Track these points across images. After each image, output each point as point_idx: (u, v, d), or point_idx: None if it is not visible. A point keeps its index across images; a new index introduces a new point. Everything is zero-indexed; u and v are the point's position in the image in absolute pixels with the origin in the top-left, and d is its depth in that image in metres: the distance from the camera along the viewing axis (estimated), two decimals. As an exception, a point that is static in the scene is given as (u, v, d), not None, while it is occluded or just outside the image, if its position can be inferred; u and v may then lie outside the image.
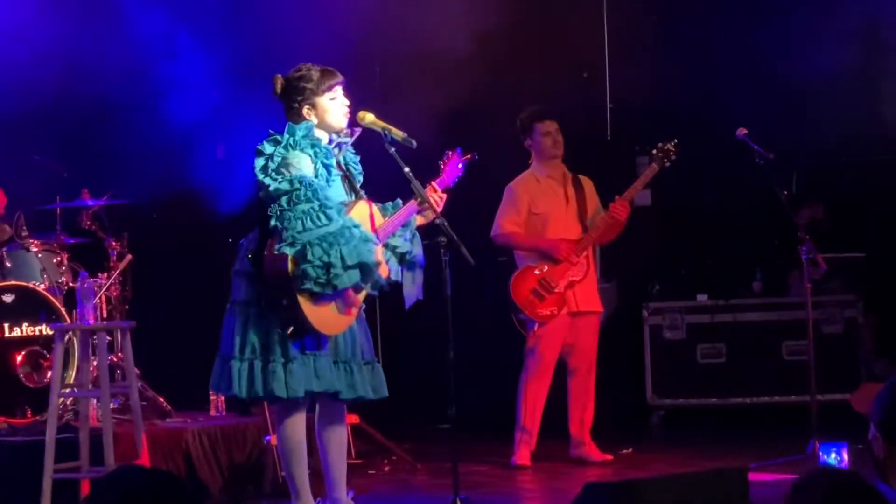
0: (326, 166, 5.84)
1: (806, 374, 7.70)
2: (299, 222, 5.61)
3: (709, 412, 9.89)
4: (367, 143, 6.20)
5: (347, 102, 5.98)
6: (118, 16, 8.98)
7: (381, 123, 6.00)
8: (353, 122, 6.01)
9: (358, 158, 6.12)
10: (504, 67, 9.87)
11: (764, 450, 7.93)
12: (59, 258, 7.86)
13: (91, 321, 6.70)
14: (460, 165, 6.25)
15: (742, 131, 7.85)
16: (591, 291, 8.10)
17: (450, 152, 6.26)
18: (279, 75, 5.96)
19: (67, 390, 7.05)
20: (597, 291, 8.18)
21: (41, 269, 7.72)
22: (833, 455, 6.52)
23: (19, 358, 7.41)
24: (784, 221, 8.07)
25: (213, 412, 7.88)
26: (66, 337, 7.03)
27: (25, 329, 7.47)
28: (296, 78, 5.93)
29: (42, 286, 7.59)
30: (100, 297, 7.64)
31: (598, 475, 7.63)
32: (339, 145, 6.00)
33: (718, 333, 9.89)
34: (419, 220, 6.15)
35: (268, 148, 5.80)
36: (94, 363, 7.01)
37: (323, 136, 5.93)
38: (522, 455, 8.04)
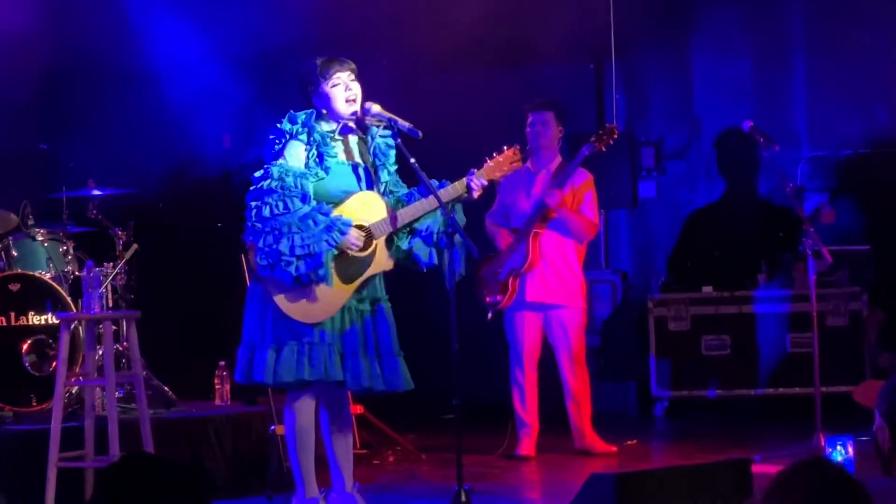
0: (321, 153, 5.86)
1: (810, 366, 7.70)
2: (258, 211, 5.71)
3: (713, 404, 9.89)
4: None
5: (353, 88, 5.96)
6: (127, 4, 9.00)
7: (387, 114, 6.00)
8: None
9: (391, 150, 6.04)
10: (511, 58, 9.87)
11: (768, 442, 7.94)
12: (64, 247, 7.85)
13: (97, 310, 6.71)
14: (513, 164, 6.16)
15: (749, 123, 7.84)
16: (548, 284, 8.02)
17: (507, 148, 6.19)
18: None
19: (73, 379, 7.06)
20: (566, 285, 8.08)
21: (47, 259, 7.72)
22: (839, 448, 6.50)
23: (25, 347, 7.41)
24: (789, 213, 8.06)
25: (218, 402, 7.89)
26: (72, 326, 7.03)
27: (31, 318, 7.47)
28: (303, 72, 6.00)
29: (48, 275, 7.59)
30: (105, 287, 7.64)
31: (603, 466, 7.63)
32: (349, 130, 6.00)
33: (723, 325, 9.88)
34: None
35: (270, 138, 5.90)
36: (100, 352, 7.02)
37: (330, 124, 5.96)
38: (526, 446, 8.06)
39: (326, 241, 5.70)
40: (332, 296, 5.82)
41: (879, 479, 3.24)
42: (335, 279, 5.80)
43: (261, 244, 5.67)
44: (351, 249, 5.81)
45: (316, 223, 5.70)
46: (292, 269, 5.64)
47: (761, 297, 9.90)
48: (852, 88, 10.04)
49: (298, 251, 5.64)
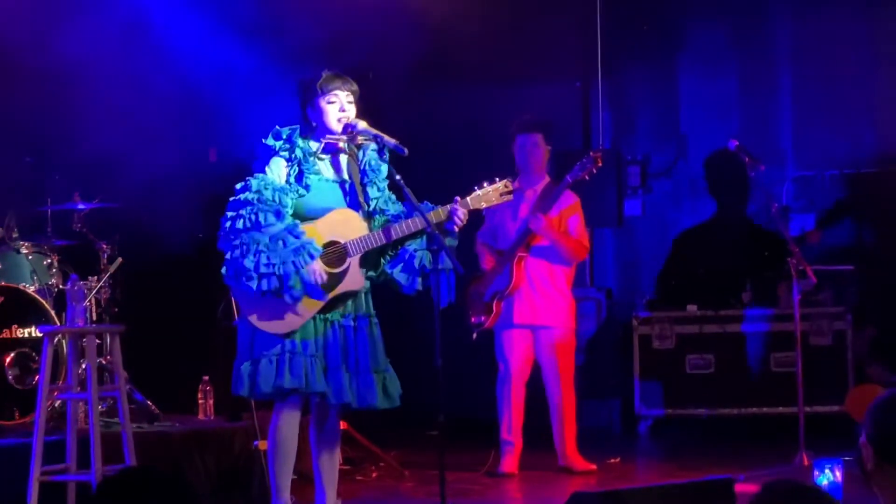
0: (302, 170, 5.87)
1: (794, 385, 7.71)
2: (232, 222, 5.75)
3: (697, 422, 9.90)
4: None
5: (347, 110, 5.96)
6: (116, 11, 8.99)
7: (373, 131, 5.99)
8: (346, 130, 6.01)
9: (383, 169, 5.99)
10: (498, 77, 9.88)
11: (751, 461, 7.94)
12: (49, 260, 7.85)
13: (81, 324, 6.70)
14: (503, 196, 6.03)
15: (734, 142, 7.86)
16: (535, 305, 8.03)
17: (498, 179, 6.04)
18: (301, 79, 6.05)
19: (56, 393, 7.04)
20: (555, 305, 8.07)
21: (31, 271, 7.71)
22: (826, 471, 6.49)
23: (8, 360, 7.39)
24: (774, 233, 8.08)
25: (201, 416, 7.88)
26: (55, 339, 7.02)
27: (14, 331, 7.46)
28: (306, 80, 6.00)
29: (32, 288, 7.58)
30: (90, 300, 7.63)
31: (585, 484, 7.63)
32: (335, 149, 6.00)
33: (707, 344, 9.89)
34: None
35: (257, 153, 5.94)
36: (83, 366, 7.00)
37: (316, 142, 5.96)
38: (508, 463, 8.05)
39: (294, 262, 5.70)
40: (300, 308, 5.81)
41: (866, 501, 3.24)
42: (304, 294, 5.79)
43: (228, 256, 5.73)
44: (311, 277, 5.76)
45: (285, 244, 5.70)
46: (253, 284, 5.67)
47: (746, 317, 9.92)
48: (838, 108, 10.07)
49: (263, 269, 5.66)
